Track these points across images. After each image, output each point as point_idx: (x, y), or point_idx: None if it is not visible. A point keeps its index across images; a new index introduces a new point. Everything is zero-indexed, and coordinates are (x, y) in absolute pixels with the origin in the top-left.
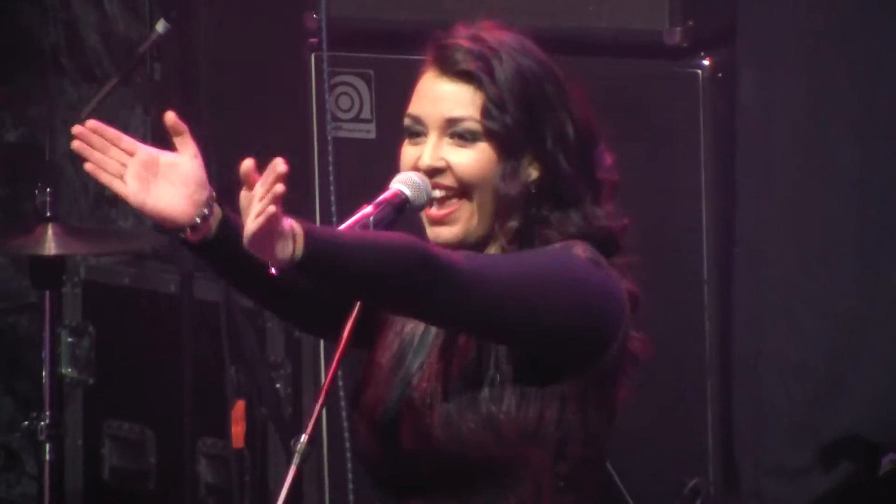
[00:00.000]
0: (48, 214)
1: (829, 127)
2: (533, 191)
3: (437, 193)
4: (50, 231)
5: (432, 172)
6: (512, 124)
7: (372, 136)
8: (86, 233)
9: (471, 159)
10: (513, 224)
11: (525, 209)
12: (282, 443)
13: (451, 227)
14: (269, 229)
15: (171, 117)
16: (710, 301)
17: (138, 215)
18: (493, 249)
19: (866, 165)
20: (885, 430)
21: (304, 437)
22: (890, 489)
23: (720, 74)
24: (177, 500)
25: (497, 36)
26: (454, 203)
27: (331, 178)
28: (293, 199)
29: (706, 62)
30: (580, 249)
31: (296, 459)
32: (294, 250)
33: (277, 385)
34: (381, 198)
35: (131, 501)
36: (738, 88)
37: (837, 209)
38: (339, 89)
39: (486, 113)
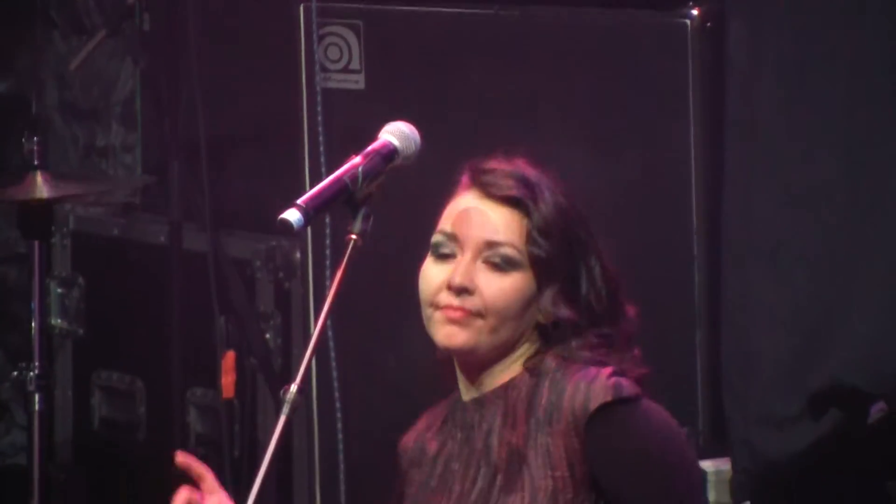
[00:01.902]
0: (36, 163)
1: (817, 76)
2: (551, 329)
3: (455, 312)
4: (38, 179)
5: (460, 290)
6: (552, 255)
7: (361, 86)
8: (75, 183)
9: (502, 287)
10: (530, 351)
11: (544, 342)
12: (271, 393)
13: (464, 333)
14: None
15: (183, 461)
16: (699, 250)
17: (128, 166)
18: (504, 374)
19: (853, 114)
20: (874, 379)
21: (293, 388)
22: (878, 438)
23: (708, 24)
24: (166, 451)
25: (535, 172)
26: (469, 316)
27: (319, 128)
28: (283, 150)
29: (695, 12)
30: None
31: (285, 409)
32: None
33: (267, 335)
34: (370, 148)
35: (121, 452)
36: (727, 38)
37: (824, 158)
38: (328, 40)
39: (531, 239)
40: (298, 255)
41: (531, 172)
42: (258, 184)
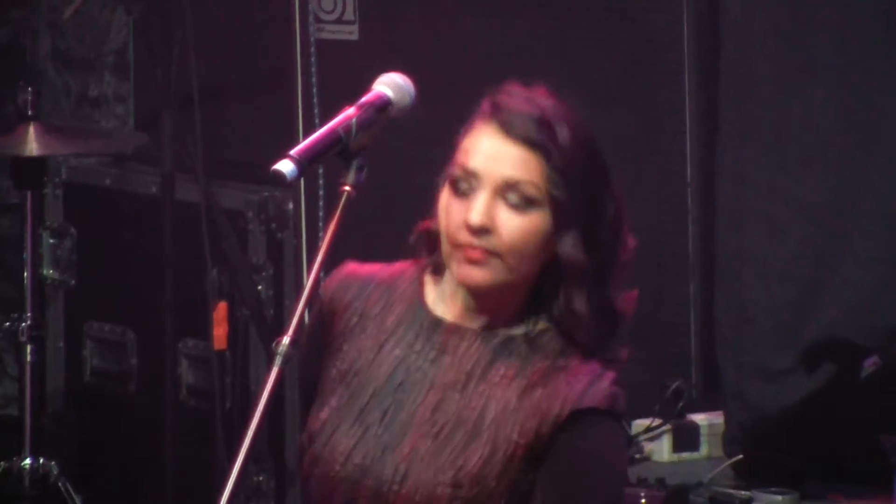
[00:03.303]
0: (30, 114)
1: (812, 30)
2: (562, 269)
3: (474, 252)
4: (32, 130)
5: (479, 230)
6: (570, 197)
7: (355, 37)
8: (68, 132)
9: (521, 226)
10: (538, 286)
11: (553, 282)
12: (263, 344)
13: (482, 272)
14: None
15: None
16: (693, 205)
17: (120, 116)
18: (502, 312)
19: (848, 68)
20: (867, 333)
21: (285, 339)
22: (871, 393)
23: None
24: (158, 402)
25: (554, 104)
26: (487, 256)
27: (313, 79)
28: (276, 101)
29: None
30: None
31: (277, 361)
32: None
33: (259, 287)
34: (364, 99)
35: (112, 402)
36: None
37: (819, 113)
38: None
39: (550, 180)
40: (291, 206)
41: (550, 109)
42: (251, 134)
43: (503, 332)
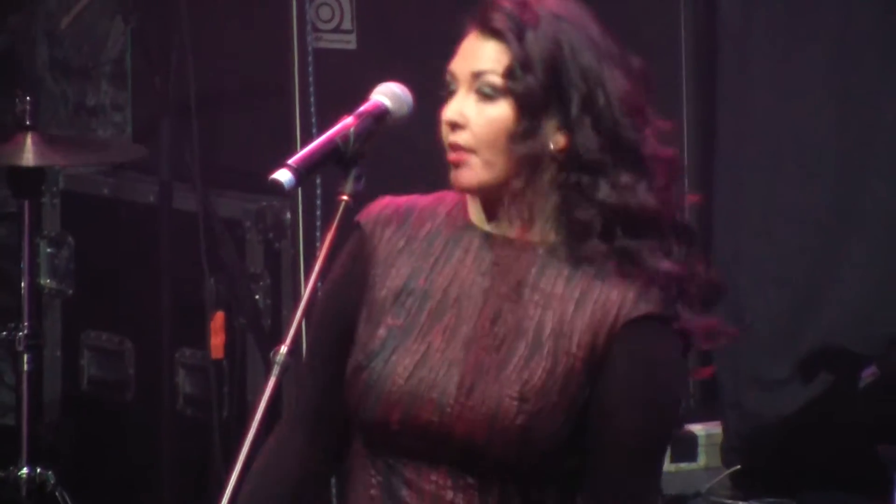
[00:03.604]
0: (28, 123)
1: (808, 40)
2: (560, 158)
3: (454, 152)
4: (29, 140)
5: (452, 126)
6: (535, 86)
7: (352, 46)
8: (65, 142)
9: (489, 116)
10: (539, 182)
11: (554, 176)
12: (261, 354)
13: (465, 172)
14: None
15: None
16: (690, 213)
17: (118, 125)
18: (520, 221)
19: (844, 77)
20: (865, 341)
21: (283, 349)
22: (869, 402)
23: None
24: (155, 411)
25: (545, 2)
26: (464, 154)
27: (311, 89)
28: (274, 110)
29: None
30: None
31: (275, 371)
32: None
33: (257, 296)
34: (361, 109)
35: (110, 412)
36: (718, 4)
37: (816, 121)
38: (320, 0)
39: (508, 72)
40: (289, 215)
41: (538, 2)
42: (249, 143)
43: (544, 240)
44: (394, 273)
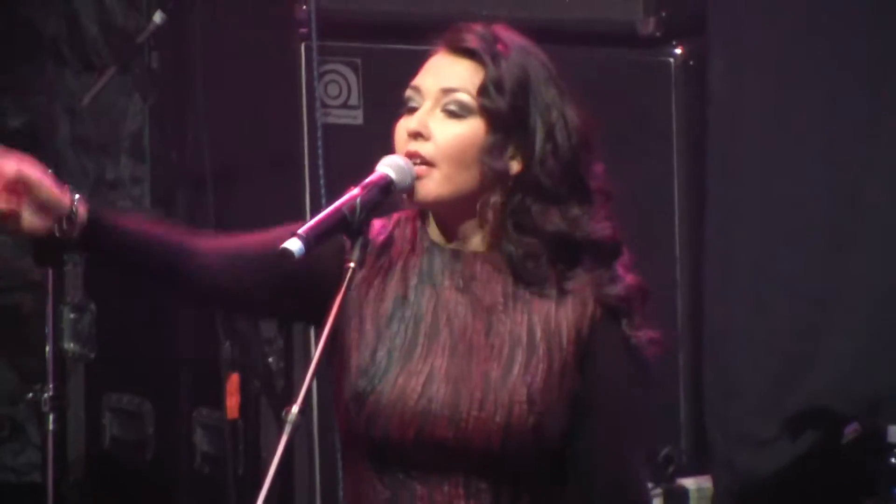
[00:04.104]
0: None
1: (796, 114)
2: (511, 183)
3: (414, 158)
4: None
5: (415, 135)
6: (505, 107)
7: (359, 121)
8: None
9: (455, 132)
10: (494, 202)
11: (506, 198)
12: (274, 413)
13: (424, 183)
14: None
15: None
16: (681, 279)
17: (136, 197)
18: (477, 238)
19: (831, 151)
20: (849, 402)
21: (295, 408)
22: (852, 456)
23: (691, 62)
24: (174, 468)
25: (510, 35)
26: (423, 168)
27: (320, 161)
28: (285, 182)
29: (678, 51)
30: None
31: (287, 429)
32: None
33: (270, 359)
34: (367, 180)
35: (131, 469)
36: (709, 77)
37: (804, 193)
38: (328, 77)
39: (483, 90)
40: None
41: (504, 34)
42: (261, 214)
43: (503, 252)
44: (379, 302)
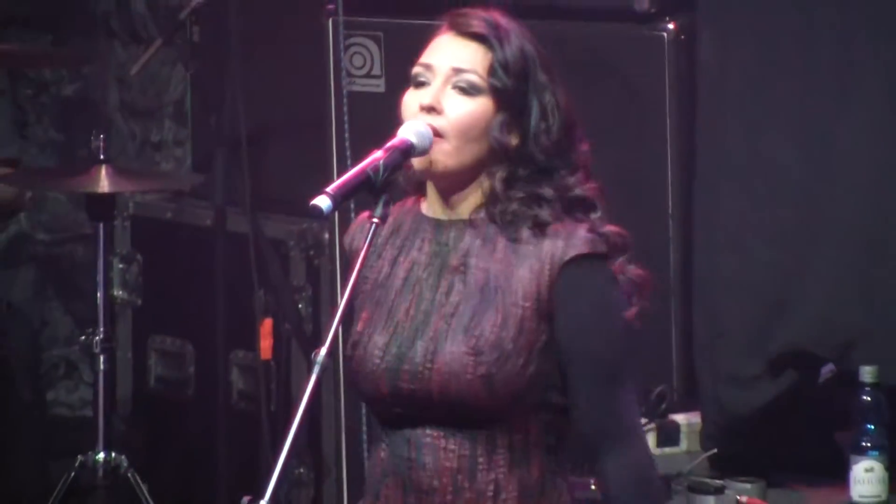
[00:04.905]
0: (101, 157)
1: (777, 81)
2: (509, 155)
3: None
4: (103, 172)
5: (429, 109)
6: (511, 87)
7: (381, 90)
8: (133, 173)
9: (466, 108)
10: (495, 172)
11: (504, 169)
12: (303, 355)
13: (435, 154)
14: None
15: None
16: (674, 233)
17: (179, 158)
18: (472, 199)
19: (808, 112)
20: (825, 344)
21: (323, 351)
22: (827, 395)
23: (683, 37)
24: (212, 405)
25: (508, 20)
26: (434, 140)
27: (346, 126)
28: (313, 145)
29: (671, 26)
30: (609, 274)
31: (316, 370)
32: None
33: (299, 305)
34: (389, 144)
35: (173, 405)
36: (698, 49)
37: (782, 153)
38: (353, 49)
39: (492, 71)
40: (326, 235)
41: (503, 19)
42: (292, 174)
43: (486, 217)
44: (369, 275)
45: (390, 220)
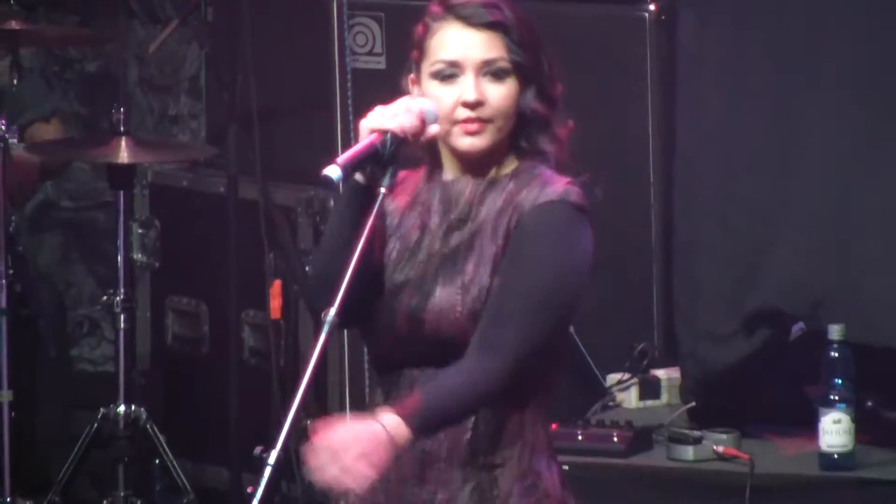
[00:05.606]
0: (122, 129)
1: (752, 58)
2: (538, 117)
3: (473, 124)
4: (123, 143)
5: (475, 105)
6: (529, 62)
7: (383, 66)
8: (152, 144)
9: (503, 93)
10: (515, 134)
11: (519, 129)
12: (311, 315)
13: (483, 137)
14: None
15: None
16: (655, 201)
17: (194, 130)
18: (490, 161)
19: (780, 88)
20: (796, 304)
21: (331, 311)
22: (798, 352)
23: (664, 17)
24: (225, 361)
25: (504, 2)
26: (482, 124)
27: (349, 101)
28: (319, 119)
29: (652, 7)
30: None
31: (324, 328)
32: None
33: (307, 268)
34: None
35: (189, 361)
36: (678, 29)
37: (756, 125)
38: (356, 28)
39: (513, 52)
40: (332, 202)
41: (502, 2)
42: (299, 146)
43: (492, 176)
44: (399, 231)
45: (410, 186)
